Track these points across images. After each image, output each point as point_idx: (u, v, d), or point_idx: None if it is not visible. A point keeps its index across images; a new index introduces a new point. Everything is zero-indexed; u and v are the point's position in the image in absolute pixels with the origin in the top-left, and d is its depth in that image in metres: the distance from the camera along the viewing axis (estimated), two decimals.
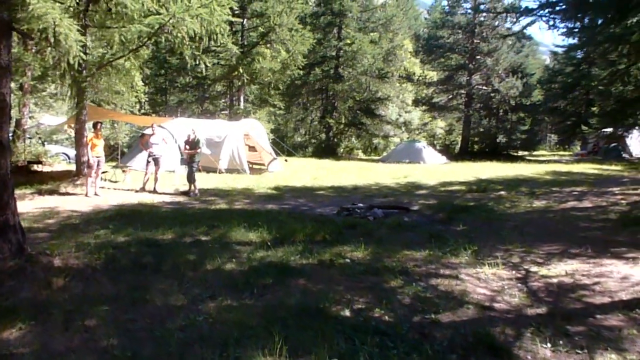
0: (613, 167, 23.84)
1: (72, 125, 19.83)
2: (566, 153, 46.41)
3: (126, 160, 17.82)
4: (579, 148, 49.72)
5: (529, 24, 31.32)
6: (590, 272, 5.79)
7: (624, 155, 33.46)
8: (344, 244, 6.93)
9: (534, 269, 5.98)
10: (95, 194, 11.56)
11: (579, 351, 3.75)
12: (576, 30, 16.02)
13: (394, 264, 5.90)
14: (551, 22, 13.34)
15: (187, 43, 11.39)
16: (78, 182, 12.42)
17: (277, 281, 4.99)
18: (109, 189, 12.64)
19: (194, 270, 5.30)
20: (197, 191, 12.34)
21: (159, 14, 11.07)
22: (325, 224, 8.41)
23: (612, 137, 35.10)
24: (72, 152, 20.68)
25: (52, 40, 9.49)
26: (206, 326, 3.81)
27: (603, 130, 36.41)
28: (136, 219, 8.55)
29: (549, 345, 3.82)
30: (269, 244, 6.51)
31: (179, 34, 11.17)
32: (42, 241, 6.61)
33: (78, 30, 9.72)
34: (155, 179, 12.69)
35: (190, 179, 12.30)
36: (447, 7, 33.46)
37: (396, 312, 4.31)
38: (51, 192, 11.56)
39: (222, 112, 29.11)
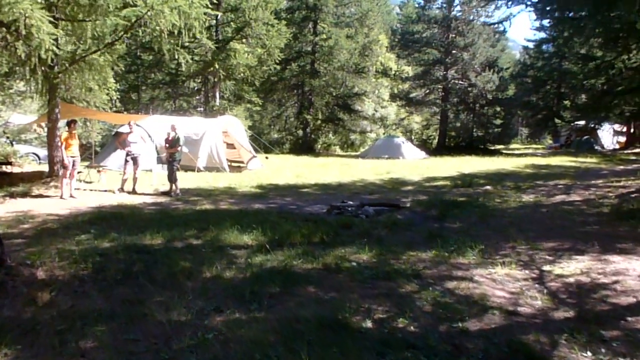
0: (588, 160, 24.12)
1: (43, 124, 19.00)
2: (538, 146, 47.08)
3: (100, 159, 17.10)
4: (549, 141, 50.62)
5: (507, 18, 31.37)
6: (605, 270, 5.58)
7: (596, 147, 34.05)
8: (344, 245, 6.61)
9: (546, 267, 5.76)
10: (71, 196, 10.94)
11: (622, 359, 3.50)
12: (561, 20, 16.01)
13: (403, 266, 5.59)
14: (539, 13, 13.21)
15: (165, 37, 10.86)
16: (52, 184, 11.77)
17: (284, 289, 4.62)
18: (84, 191, 12.01)
19: (192, 279, 4.89)
20: (178, 191, 11.82)
21: (136, 5, 10.51)
22: (319, 224, 8.07)
23: (584, 130, 35.81)
24: (42, 152, 19.80)
25: (22, 33, 8.88)
26: (218, 345, 3.41)
27: (575, 123, 37.16)
28: (119, 222, 8.04)
29: (589, 353, 3.55)
30: (267, 247, 6.10)
31: (157, 27, 10.64)
32: (19, 249, 6.08)
33: (50, 22, 9.11)
34: (134, 179, 12.11)
35: (171, 178, 11.78)
36: (421, 1, 33.30)
37: (420, 322, 3.99)
38: (23, 195, 10.90)
39: (197, 109, 28.38)
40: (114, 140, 18.35)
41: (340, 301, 4.33)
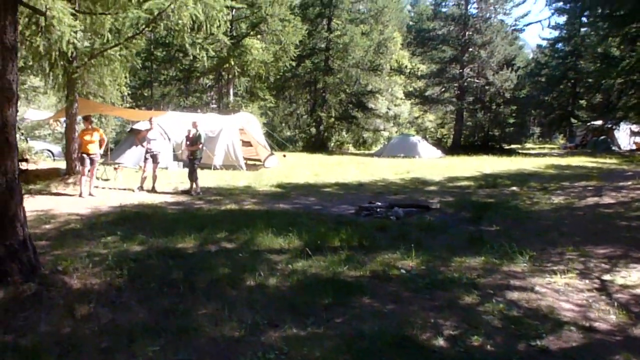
0: (608, 160, 23.65)
1: (59, 120, 18.75)
2: (553, 146, 46.42)
3: (115, 156, 16.81)
4: (561, 141, 49.97)
5: (524, 15, 30.85)
6: None
7: (613, 148, 33.44)
8: (385, 250, 6.25)
9: (606, 277, 5.38)
10: (90, 194, 10.64)
11: None
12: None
13: (455, 274, 5.23)
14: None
15: (188, 30, 10.52)
16: (70, 181, 11.46)
17: (337, 300, 4.26)
18: (102, 189, 11.70)
19: (235, 288, 4.54)
20: (199, 190, 11.50)
21: None
22: (352, 227, 7.72)
23: (600, 130, 35.19)
24: (56, 149, 19.58)
25: (43, 25, 8.57)
26: None
27: (592, 123, 36.55)
28: (143, 222, 7.72)
29: None
30: (308, 251, 5.75)
31: (180, 20, 10.30)
32: (45, 251, 5.75)
33: (72, 15, 8.79)
34: (154, 178, 11.79)
35: (192, 177, 11.45)
36: None
37: (495, 339, 3.62)
38: (41, 193, 10.60)
39: (210, 106, 28.06)
40: (129, 136, 18.11)
41: (402, 314, 3.98)
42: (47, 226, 7.44)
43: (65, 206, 9.35)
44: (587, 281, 5.24)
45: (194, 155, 11.52)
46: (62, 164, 16.34)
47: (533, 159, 25.06)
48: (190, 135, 11.60)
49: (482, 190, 13.06)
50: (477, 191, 12.95)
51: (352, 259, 5.59)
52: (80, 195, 10.47)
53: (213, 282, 4.63)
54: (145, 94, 30.17)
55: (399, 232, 7.48)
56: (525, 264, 5.83)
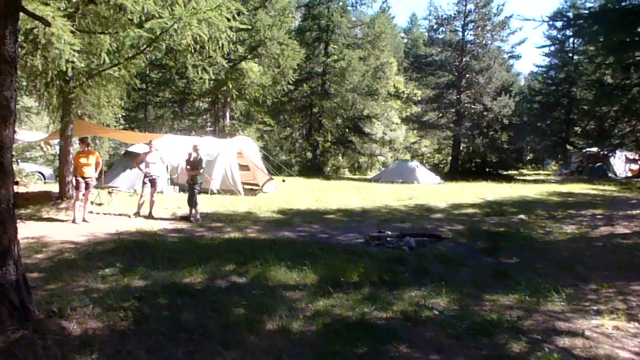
0: (607, 187, 23.40)
1: (52, 142, 18.19)
2: (546, 172, 46.36)
3: (109, 179, 16.22)
4: (553, 167, 49.98)
5: (521, 42, 31.05)
6: None
7: (609, 174, 33.36)
8: (409, 286, 5.77)
9: None
10: (84, 220, 10.07)
11: None
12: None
13: (493, 316, 4.75)
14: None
15: (191, 51, 10.13)
16: (62, 206, 10.90)
17: (372, 349, 3.77)
18: (97, 214, 11.14)
19: (255, 333, 4.02)
20: (198, 216, 10.97)
21: (161, 17, 9.79)
22: (366, 258, 7.25)
23: (596, 157, 35.19)
24: (47, 171, 18.97)
25: (41, 42, 8.13)
26: None
27: (587, 150, 36.57)
28: (143, 253, 7.18)
29: None
30: (329, 289, 5.25)
31: (183, 40, 9.92)
32: (37, 285, 5.21)
33: (72, 32, 8.37)
34: (151, 203, 11.26)
35: (191, 202, 10.93)
36: (434, 25, 32.94)
37: None
38: (32, 218, 10.02)
39: (206, 129, 27.63)
40: (123, 159, 17.59)
41: None
42: (39, 256, 6.88)
43: (58, 233, 8.79)
44: (636, 324, 4.79)
45: (194, 180, 11.02)
46: (53, 187, 15.74)
47: (532, 186, 24.76)
48: (191, 159, 11.12)
49: (489, 219, 12.66)
50: (484, 219, 12.55)
51: (376, 297, 5.10)
52: (73, 221, 9.91)
53: (229, 326, 4.11)
54: (139, 116, 29.73)
55: (418, 266, 7.01)
56: (562, 303, 5.39)
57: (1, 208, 3.33)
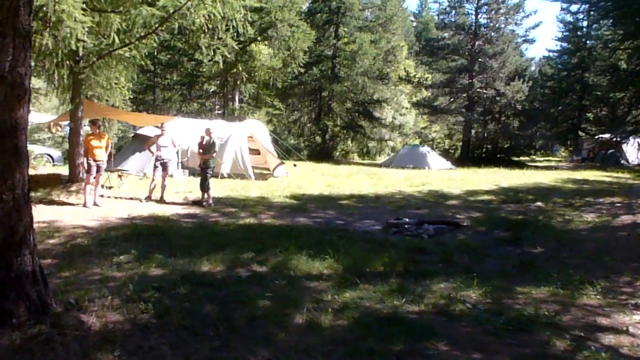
0: (621, 175, 23.02)
1: (62, 123, 17.96)
2: (557, 159, 45.82)
3: (118, 163, 16.00)
4: (562, 153, 49.42)
5: (535, 25, 30.46)
6: None
7: (622, 162, 32.89)
8: (436, 277, 5.55)
9: None
10: (95, 204, 9.87)
11: None
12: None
13: (530, 311, 4.51)
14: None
15: (205, 30, 9.82)
16: (73, 189, 10.70)
17: (409, 347, 3.54)
18: (108, 198, 10.93)
19: (282, 328, 3.80)
20: (211, 201, 10.75)
21: None
22: (387, 247, 7.04)
23: (608, 144, 34.70)
24: (55, 153, 18.79)
25: (52, 19, 7.85)
26: None
27: (600, 136, 36.06)
28: (158, 239, 6.98)
29: None
30: (355, 279, 5.03)
31: (196, 20, 9.61)
32: (51, 272, 5.01)
33: (83, 10, 8.08)
34: (163, 187, 11.03)
35: (204, 186, 10.70)
36: (447, 7, 32.25)
37: None
38: (42, 201, 9.82)
39: (214, 112, 27.31)
40: (133, 142, 17.37)
41: None
42: (52, 241, 6.69)
43: (70, 217, 8.60)
44: None
45: (206, 164, 10.77)
46: (62, 170, 15.57)
47: (545, 172, 24.42)
48: (204, 143, 10.86)
49: (506, 206, 12.40)
50: (501, 207, 12.29)
51: (405, 289, 4.87)
52: (84, 205, 9.71)
53: (255, 320, 3.89)
54: (147, 99, 29.43)
55: (442, 255, 6.78)
56: (597, 296, 5.15)
57: (16, 194, 3.10)
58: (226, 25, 10.86)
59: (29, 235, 3.22)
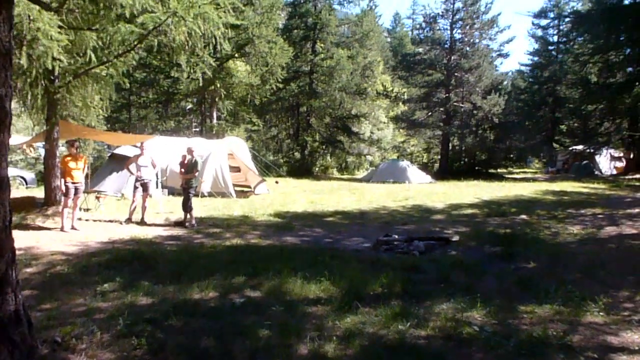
0: (596, 185, 23.37)
1: (33, 145, 17.43)
2: (532, 170, 46.51)
3: (94, 184, 15.55)
4: (536, 165, 50.19)
5: (509, 40, 30.95)
6: None
7: (596, 172, 33.51)
8: (436, 298, 5.37)
9: None
10: (73, 228, 9.48)
11: None
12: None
13: (539, 331, 4.36)
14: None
15: (186, 47, 9.60)
16: (49, 213, 10.28)
17: None
18: (86, 221, 10.54)
19: None
20: (193, 221, 10.44)
21: (154, 12, 9.22)
22: (380, 266, 6.87)
23: (582, 155, 35.34)
24: (28, 175, 18.19)
25: (26, 37, 7.54)
26: None
27: (573, 148, 36.72)
28: (142, 264, 6.66)
29: None
30: (356, 303, 4.82)
31: (177, 36, 9.37)
32: (31, 304, 4.67)
33: (60, 28, 7.78)
34: (143, 208, 10.69)
35: (186, 207, 10.40)
36: (423, 23, 32.64)
37: None
38: (18, 227, 9.37)
39: (192, 129, 26.93)
40: (109, 162, 16.92)
41: None
42: (30, 270, 6.32)
43: (47, 243, 8.21)
44: None
45: (188, 183, 10.49)
46: (36, 192, 15.04)
47: (523, 184, 24.63)
48: (186, 162, 10.58)
49: (491, 219, 12.40)
50: (486, 220, 12.28)
51: (407, 312, 4.68)
52: (62, 229, 9.31)
53: (256, 353, 3.65)
54: (121, 117, 28.90)
55: (438, 274, 6.62)
56: (601, 313, 5.03)
57: None
58: (205, 42, 10.68)
59: (11, 272, 2.94)
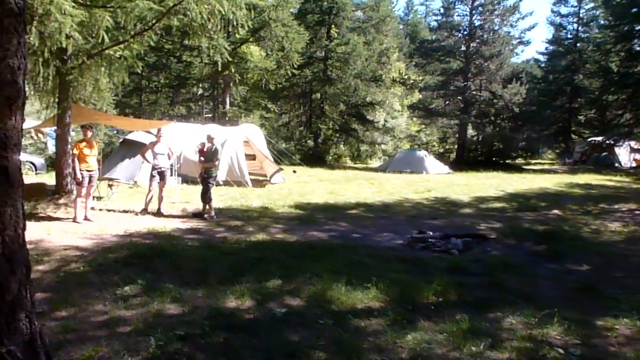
0: (619, 178, 22.74)
1: (44, 130, 16.88)
2: (547, 161, 45.58)
3: (106, 171, 14.97)
4: (549, 156, 49.18)
5: (531, 27, 29.93)
6: None
7: (615, 165, 32.66)
8: (498, 308, 4.77)
9: None
10: (86, 219, 8.91)
11: None
12: None
13: (632, 355, 3.75)
14: None
15: (209, 26, 8.95)
16: (61, 202, 9.72)
17: None
18: (100, 211, 9.97)
19: None
20: (213, 213, 9.85)
21: None
22: (424, 268, 6.29)
23: (601, 147, 34.45)
24: (38, 161, 17.66)
25: (38, 12, 6.91)
26: None
27: (593, 139, 35.80)
28: (165, 262, 6.08)
29: None
30: (412, 316, 4.21)
31: (198, 15, 8.72)
32: (42, 310, 4.11)
33: (76, 1, 7.15)
34: (160, 198, 10.10)
35: (205, 198, 9.79)
36: (441, 9, 31.68)
37: None
38: (28, 217, 8.80)
39: (205, 115, 26.28)
40: (121, 148, 16.35)
41: None
42: (41, 267, 5.74)
43: (59, 235, 7.65)
44: None
45: (208, 173, 9.87)
46: (46, 179, 14.51)
47: (544, 176, 23.91)
48: (205, 150, 9.96)
49: (523, 214, 11.83)
50: (518, 215, 11.69)
51: (476, 329, 4.06)
52: (74, 220, 8.74)
53: None
54: (132, 102, 28.26)
55: (487, 277, 6.02)
56: None
57: (6, 236, 2.22)
58: (223, 24, 10.07)
59: (25, 293, 2.34)
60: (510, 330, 4.14)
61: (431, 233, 8.77)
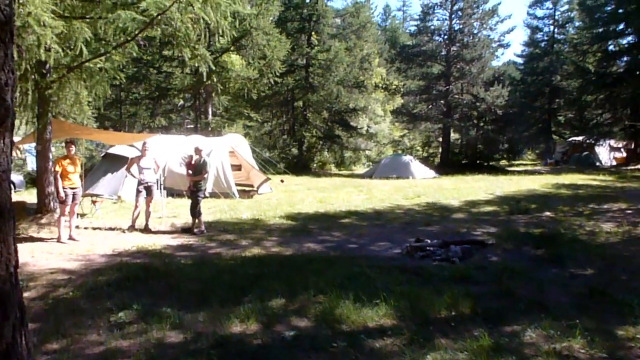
0: (603, 177, 22.99)
1: (20, 147, 16.33)
2: (529, 162, 46.05)
3: (87, 186, 14.53)
4: (529, 157, 49.76)
5: (510, 30, 30.28)
6: None
7: (597, 164, 33.08)
8: (513, 319, 4.58)
9: None
10: (71, 238, 8.54)
11: None
12: None
13: None
14: None
15: (192, 37, 8.68)
16: (43, 222, 9.32)
17: None
18: (85, 229, 9.60)
19: None
20: (203, 227, 9.54)
21: None
22: (428, 278, 6.10)
23: (581, 146, 34.90)
24: (16, 178, 17.10)
25: (15, 24, 6.57)
26: None
27: (573, 139, 36.27)
28: (159, 284, 5.78)
29: None
30: (429, 334, 3.99)
31: (182, 25, 8.44)
32: (34, 346, 3.77)
33: (54, 13, 6.83)
34: (147, 214, 9.75)
35: (195, 212, 9.48)
36: (420, 14, 31.81)
37: None
38: None
39: (186, 126, 25.87)
40: (103, 163, 15.94)
41: None
42: (27, 294, 5.38)
43: (44, 257, 7.29)
44: None
45: (197, 186, 9.57)
46: (26, 196, 14.01)
47: (530, 178, 24.01)
48: (193, 163, 9.65)
49: (516, 218, 11.76)
50: (511, 218, 11.62)
51: (499, 346, 3.86)
52: (59, 240, 8.37)
53: None
54: (112, 115, 27.70)
55: (495, 286, 5.83)
56: None
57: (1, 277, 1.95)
58: (207, 33, 9.82)
59: (19, 339, 2.06)
60: (532, 346, 3.95)
61: (429, 241, 8.59)
